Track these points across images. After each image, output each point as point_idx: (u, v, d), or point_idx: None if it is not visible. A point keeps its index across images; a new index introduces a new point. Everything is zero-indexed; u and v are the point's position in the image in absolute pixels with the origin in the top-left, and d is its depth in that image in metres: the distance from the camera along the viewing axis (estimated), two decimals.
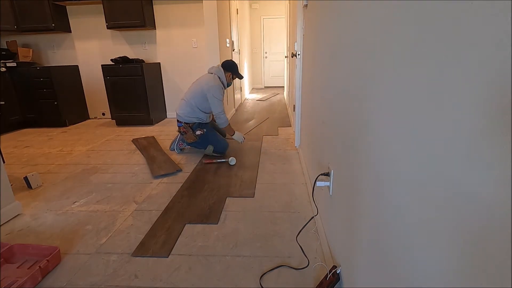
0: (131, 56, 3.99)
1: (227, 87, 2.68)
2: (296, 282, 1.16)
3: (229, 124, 2.62)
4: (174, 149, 2.76)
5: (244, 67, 5.83)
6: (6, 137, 3.44)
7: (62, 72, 3.89)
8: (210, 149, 2.57)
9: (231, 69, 2.60)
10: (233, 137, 2.65)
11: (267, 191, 1.92)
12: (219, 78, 2.53)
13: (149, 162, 2.45)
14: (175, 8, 3.85)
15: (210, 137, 2.58)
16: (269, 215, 1.63)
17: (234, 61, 2.65)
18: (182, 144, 2.73)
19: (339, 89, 1.07)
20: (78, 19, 3.99)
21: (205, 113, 2.55)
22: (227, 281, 1.17)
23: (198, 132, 2.53)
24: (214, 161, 2.45)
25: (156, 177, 2.17)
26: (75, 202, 1.83)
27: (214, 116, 2.53)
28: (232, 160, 2.39)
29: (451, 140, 0.40)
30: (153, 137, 3.21)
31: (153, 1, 3.83)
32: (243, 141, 2.70)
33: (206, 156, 2.61)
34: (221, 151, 2.61)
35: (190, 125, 2.54)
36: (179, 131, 2.61)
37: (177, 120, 2.59)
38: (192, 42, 3.98)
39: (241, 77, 2.73)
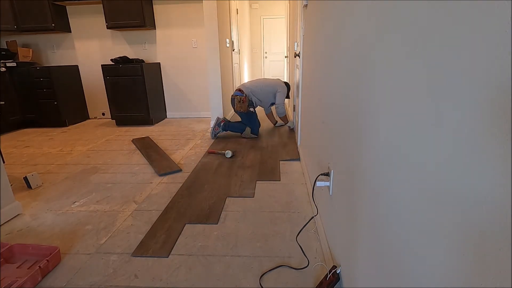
0: (131, 56, 3.99)
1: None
2: (296, 282, 1.16)
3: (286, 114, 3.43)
4: (212, 136, 3.17)
5: (244, 67, 5.83)
6: (6, 137, 3.44)
7: (62, 72, 3.89)
8: (248, 131, 3.07)
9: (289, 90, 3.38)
10: (288, 125, 3.50)
11: (267, 191, 1.92)
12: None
13: (150, 161, 2.45)
14: (175, 8, 3.85)
15: (254, 117, 3.10)
16: (269, 215, 1.63)
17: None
18: (217, 129, 3.10)
19: (339, 89, 1.07)
20: (78, 19, 3.99)
21: (259, 101, 3.25)
22: (227, 281, 1.17)
23: (251, 109, 3.08)
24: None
25: (161, 174, 2.20)
26: (75, 202, 1.83)
27: (276, 106, 3.30)
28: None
29: (452, 139, 0.40)
30: (148, 137, 3.20)
31: (153, 1, 3.83)
32: (294, 126, 3.25)
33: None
34: (256, 133, 3.10)
35: (248, 100, 3.08)
36: (234, 99, 3.07)
37: (239, 90, 3.09)
38: (192, 42, 3.98)
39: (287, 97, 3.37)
